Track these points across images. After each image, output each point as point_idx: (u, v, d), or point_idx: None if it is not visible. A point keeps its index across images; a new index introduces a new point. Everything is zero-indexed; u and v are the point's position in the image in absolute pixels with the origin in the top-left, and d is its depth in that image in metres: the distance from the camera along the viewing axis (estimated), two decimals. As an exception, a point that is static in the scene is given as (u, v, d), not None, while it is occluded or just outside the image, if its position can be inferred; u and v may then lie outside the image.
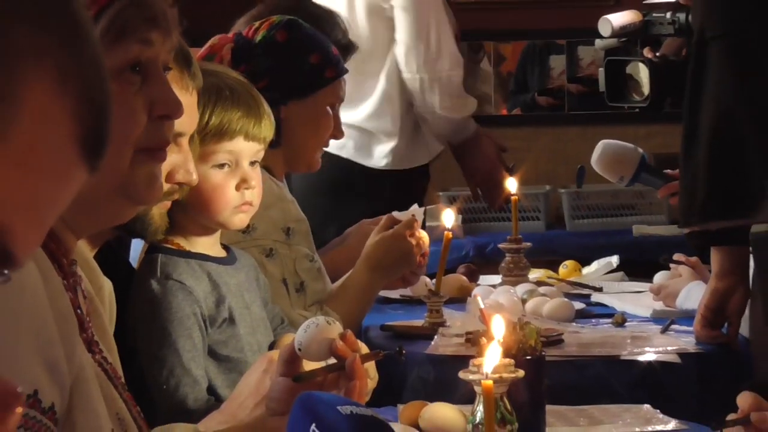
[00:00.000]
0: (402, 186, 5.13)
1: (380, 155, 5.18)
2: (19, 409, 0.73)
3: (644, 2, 4.78)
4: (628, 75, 4.72)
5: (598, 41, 5.02)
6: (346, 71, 3.87)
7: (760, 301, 3.18)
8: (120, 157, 1.95)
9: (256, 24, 3.73)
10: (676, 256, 4.26)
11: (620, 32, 4.74)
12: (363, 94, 5.15)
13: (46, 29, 1.07)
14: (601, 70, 4.71)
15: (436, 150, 5.37)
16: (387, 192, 5.00)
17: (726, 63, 3.36)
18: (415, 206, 4.25)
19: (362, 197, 4.84)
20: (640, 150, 4.45)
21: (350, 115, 5.01)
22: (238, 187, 3.02)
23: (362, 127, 5.18)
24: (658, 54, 4.76)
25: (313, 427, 1.62)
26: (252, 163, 3.08)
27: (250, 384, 2.56)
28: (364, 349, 2.42)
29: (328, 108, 3.77)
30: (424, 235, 3.83)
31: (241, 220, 3.06)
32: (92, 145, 1.12)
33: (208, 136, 2.96)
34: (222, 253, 3.10)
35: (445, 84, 5.22)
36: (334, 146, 4.81)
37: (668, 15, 4.49)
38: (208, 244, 3.07)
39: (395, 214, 4.26)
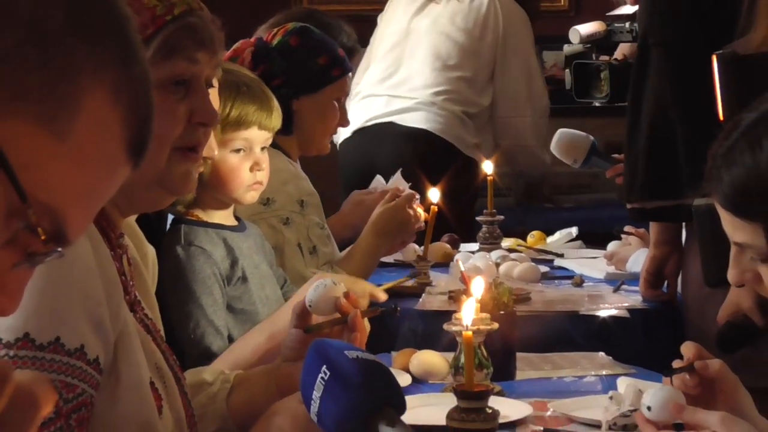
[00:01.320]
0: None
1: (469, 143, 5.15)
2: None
3: (607, 14, 4.78)
4: (592, 76, 4.72)
5: (566, 46, 5.02)
6: (351, 70, 3.89)
7: (701, 265, 3.19)
8: (159, 154, 1.98)
9: (274, 30, 3.75)
10: (627, 228, 4.26)
11: (587, 40, 4.75)
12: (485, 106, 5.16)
13: (105, 49, 1.08)
14: (567, 71, 4.71)
15: None
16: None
17: (663, 67, 3.36)
18: (398, 174, 4.27)
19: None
20: (591, 137, 4.46)
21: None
22: (251, 169, 3.06)
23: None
24: (615, 58, 4.77)
25: (324, 368, 1.62)
26: (262, 149, 3.10)
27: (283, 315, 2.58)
28: (364, 305, 2.43)
29: (335, 101, 3.79)
30: (420, 210, 3.87)
31: (252, 196, 3.09)
32: (136, 147, 1.13)
33: (228, 126, 2.99)
34: (234, 223, 3.11)
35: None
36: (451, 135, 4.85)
37: (627, 25, 4.51)
38: (223, 216, 3.08)
39: (381, 185, 4.28)
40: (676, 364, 2.23)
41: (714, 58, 2.89)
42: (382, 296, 2.87)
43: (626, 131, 3.53)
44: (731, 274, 2.17)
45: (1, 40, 1.02)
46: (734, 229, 2.13)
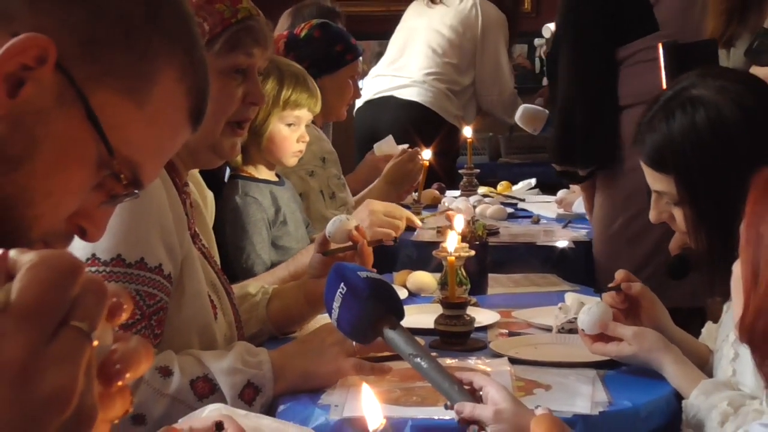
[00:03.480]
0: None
1: (452, 114, 5.08)
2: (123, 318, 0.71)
3: None
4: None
5: (537, 40, 4.99)
6: (362, 54, 3.90)
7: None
8: (216, 126, 2.01)
9: (302, 25, 3.77)
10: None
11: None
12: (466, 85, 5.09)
13: (175, 38, 1.08)
14: (537, 58, 4.71)
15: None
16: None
17: (567, 61, 3.34)
18: (390, 138, 4.28)
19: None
20: (547, 111, 4.46)
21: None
22: (297, 140, 3.06)
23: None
24: None
25: (342, 285, 1.62)
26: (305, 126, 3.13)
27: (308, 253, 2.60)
28: (401, 227, 2.46)
29: (349, 80, 3.80)
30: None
31: (293, 161, 3.12)
32: (196, 115, 1.13)
33: (288, 105, 3.02)
34: (276, 179, 3.11)
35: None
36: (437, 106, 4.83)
37: None
38: (269, 173, 3.09)
39: (378, 144, 4.30)
40: (610, 285, 2.25)
41: (660, 45, 2.88)
42: (419, 223, 2.90)
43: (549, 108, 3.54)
44: (652, 215, 2.18)
45: (97, 29, 1.02)
46: (654, 180, 2.13)
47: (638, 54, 3.24)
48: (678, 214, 2.10)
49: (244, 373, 1.92)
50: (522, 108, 4.50)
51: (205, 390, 1.89)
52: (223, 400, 1.87)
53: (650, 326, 2.15)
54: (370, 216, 2.69)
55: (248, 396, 1.91)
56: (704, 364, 2.12)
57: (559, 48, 3.39)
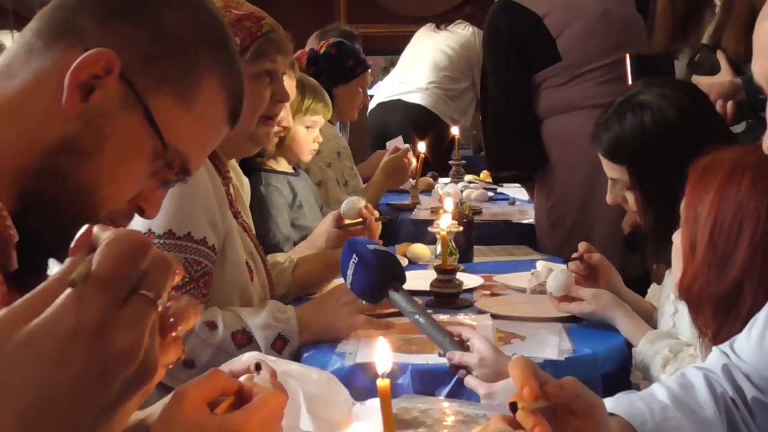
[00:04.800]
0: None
1: (448, 115, 5.04)
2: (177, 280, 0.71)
3: None
4: None
5: None
6: (370, 67, 3.91)
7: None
8: (252, 120, 2.00)
9: (321, 44, 3.78)
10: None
11: None
12: (460, 90, 5.06)
13: (216, 53, 1.08)
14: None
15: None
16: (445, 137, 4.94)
17: (493, 86, 3.34)
18: (399, 138, 4.27)
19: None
20: None
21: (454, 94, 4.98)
22: (313, 140, 3.09)
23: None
24: None
25: (354, 256, 1.62)
26: (320, 129, 3.15)
27: (322, 226, 2.58)
28: (377, 214, 2.45)
29: (360, 89, 3.79)
30: (413, 159, 3.88)
31: (309, 157, 3.14)
32: (233, 115, 1.13)
33: (308, 110, 3.04)
34: (292, 171, 3.12)
35: None
36: (436, 109, 4.82)
37: None
38: (287, 166, 3.10)
39: (390, 142, 4.29)
40: (574, 255, 2.24)
41: (627, 56, 2.87)
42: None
43: (482, 127, 3.53)
44: (608, 198, 2.17)
45: (154, 47, 1.02)
46: (610, 169, 2.13)
47: (548, 80, 3.28)
48: (630, 197, 2.10)
49: (275, 327, 1.92)
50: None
51: (244, 341, 1.89)
52: (258, 349, 1.88)
53: (606, 288, 2.15)
54: (333, 220, 2.61)
55: (278, 346, 1.92)
56: (650, 318, 2.12)
57: (486, 78, 3.41)
